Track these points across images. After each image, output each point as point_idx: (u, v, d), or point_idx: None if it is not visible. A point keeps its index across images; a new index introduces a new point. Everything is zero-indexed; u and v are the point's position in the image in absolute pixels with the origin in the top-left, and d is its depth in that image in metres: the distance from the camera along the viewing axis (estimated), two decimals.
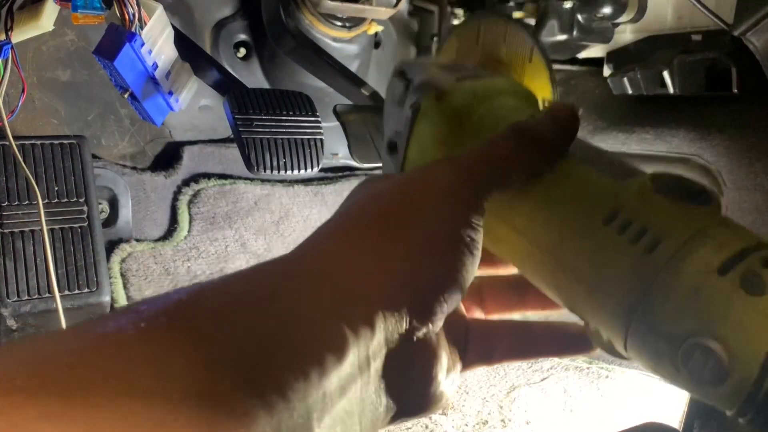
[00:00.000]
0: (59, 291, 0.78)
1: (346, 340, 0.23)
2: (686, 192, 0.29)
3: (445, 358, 0.28)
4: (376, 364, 0.24)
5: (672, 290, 0.26)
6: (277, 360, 0.21)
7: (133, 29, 0.70)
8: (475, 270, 0.27)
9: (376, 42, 1.20)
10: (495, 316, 0.37)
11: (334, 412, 0.22)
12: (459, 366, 0.32)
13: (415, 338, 0.25)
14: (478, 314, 0.37)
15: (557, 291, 0.32)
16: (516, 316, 0.37)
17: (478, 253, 0.27)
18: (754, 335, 0.25)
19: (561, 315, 0.35)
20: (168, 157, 1.09)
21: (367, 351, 0.24)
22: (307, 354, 0.22)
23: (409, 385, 0.26)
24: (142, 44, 0.71)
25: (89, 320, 0.21)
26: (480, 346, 0.34)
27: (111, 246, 0.97)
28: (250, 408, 0.20)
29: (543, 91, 0.48)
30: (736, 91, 0.91)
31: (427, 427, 0.91)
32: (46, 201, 0.82)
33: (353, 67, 1.06)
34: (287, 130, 0.82)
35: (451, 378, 0.29)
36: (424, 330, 0.25)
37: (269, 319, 0.22)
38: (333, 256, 0.26)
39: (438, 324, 0.26)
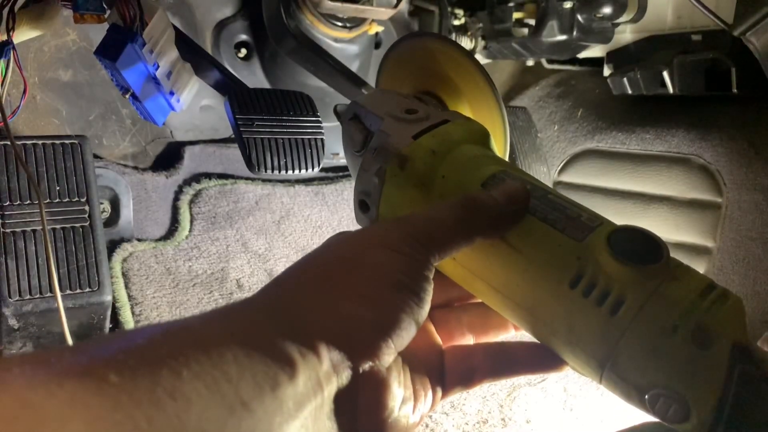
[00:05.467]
0: (60, 290, 0.78)
1: (294, 361, 0.26)
2: (639, 254, 0.32)
3: (397, 389, 0.31)
4: (329, 390, 0.28)
5: (634, 350, 0.31)
6: (234, 374, 0.25)
7: (134, 29, 0.70)
8: (423, 313, 0.31)
9: (377, 42, 1.20)
10: (487, 339, 0.40)
11: (292, 427, 0.26)
12: (432, 395, 0.35)
13: (360, 370, 0.29)
14: (466, 339, 0.40)
15: (537, 337, 0.36)
16: (503, 335, 0.40)
17: (424, 300, 0.31)
18: (706, 383, 0.29)
19: None
20: (169, 157, 1.10)
21: (318, 375, 0.27)
22: (259, 370, 0.25)
23: (357, 414, 0.29)
24: (144, 44, 0.71)
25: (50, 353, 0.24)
26: (458, 370, 0.38)
27: (112, 246, 0.97)
28: (209, 410, 0.23)
29: (491, 111, 0.51)
30: (735, 91, 0.91)
31: (427, 426, 0.91)
32: (48, 201, 0.82)
33: (354, 67, 1.07)
34: (288, 130, 0.82)
35: (409, 407, 0.33)
36: (369, 363, 0.29)
37: (227, 348, 0.26)
38: (288, 297, 0.30)
39: (385, 359, 0.29)
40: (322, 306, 0.29)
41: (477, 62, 0.49)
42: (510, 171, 0.39)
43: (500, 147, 0.50)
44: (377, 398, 0.30)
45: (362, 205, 0.41)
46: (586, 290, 0.32)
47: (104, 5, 0.69)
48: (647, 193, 1.08)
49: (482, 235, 0.34)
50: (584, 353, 0.33)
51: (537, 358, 0.37)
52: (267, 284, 0.31)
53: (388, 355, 0.29)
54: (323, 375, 0.27)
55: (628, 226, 0.34)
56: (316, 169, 0.84)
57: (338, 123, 0.86)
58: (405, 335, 0.30)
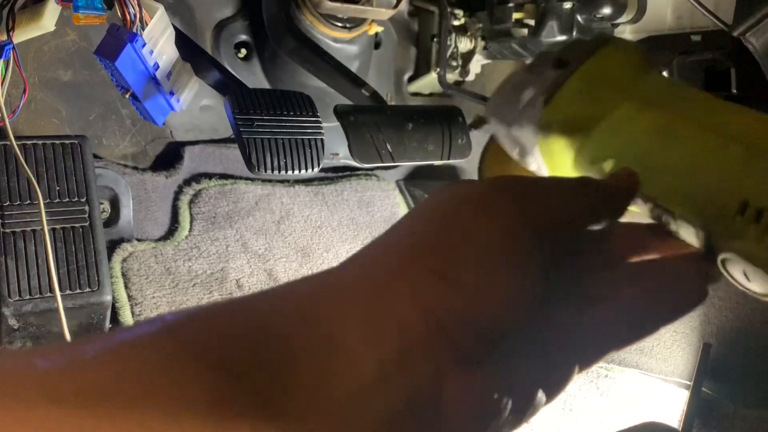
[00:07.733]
0: (60, 290, 0.78)
1: (360, 365, 0.23)
2: None
3: (503, 381, 0.26)
4: (401, 396, 0.24)
5: None
6: (291, 375, 0.22)
7: (134, 30, 0.70)
8: (532, 305, 0.27)
9: (377, 42, 1.21)
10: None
11: None
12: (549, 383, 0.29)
13: (442, 370, 0.24)
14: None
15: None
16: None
17: (529, 280, 0.27)
18: None
19: None
20: (169, 157, 1.10)
21: (394, 382, 0.23)
22: (319, 374, 0.22)
23: (442, 418, 0.25)
24: (144, 44, 0.71)
25: (114, 330, 0.23)
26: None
27: (112, 246, 0.97)
28: (248, 409, 0.21)
29: None
30: (735, 91, 0.91)
31: None
32: (48, 201, 0.82)
33: (353, 67, 1.07)
34: (288, 130, 0.82)
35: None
36: (451, 362, 0.25)
37: (292, 336, 0.23)
38: (372, 284, 0.25)
39: (472, 355, 0.25)
40: (418, 296, 0.25)
41: None
42: None
43: None
44: (467, 403, 0.25)
45: (560, 61, 0.38)
46: None
47: (104, 5, 0.70)
48: None
49: (597, 220, 0.31)
50: None
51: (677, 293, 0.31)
52: (357, 256, 0.27)
53: (477, 351, 0.25)
54: (405, 381, 0.24)
55: None
56: (316, 170, 0.84)
57: (338, 123, 0.87)
58: (508, 328, 0.26)
